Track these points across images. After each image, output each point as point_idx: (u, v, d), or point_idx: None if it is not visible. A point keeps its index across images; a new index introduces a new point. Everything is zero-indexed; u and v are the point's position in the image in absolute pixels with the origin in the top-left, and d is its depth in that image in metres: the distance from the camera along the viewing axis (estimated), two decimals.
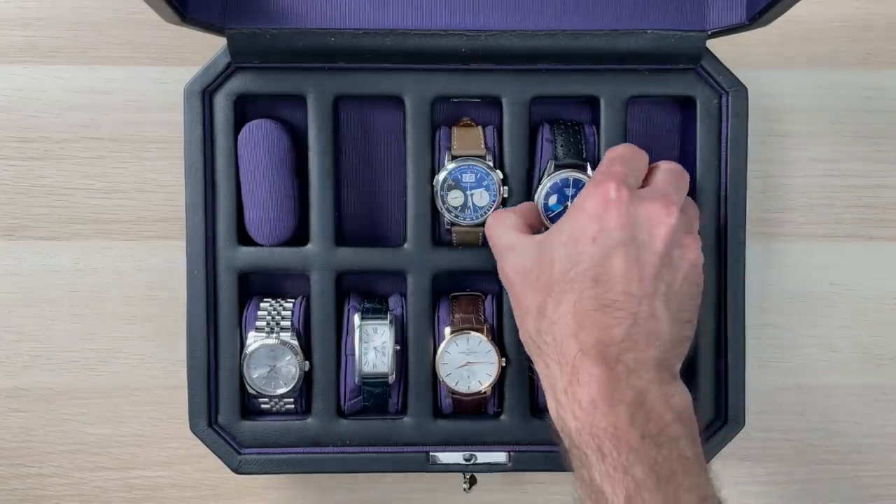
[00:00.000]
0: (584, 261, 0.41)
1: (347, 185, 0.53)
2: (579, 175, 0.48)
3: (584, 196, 0.42)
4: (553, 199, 0.49)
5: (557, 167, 0.49)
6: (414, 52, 0.48)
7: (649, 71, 0.49)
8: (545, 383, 0.42)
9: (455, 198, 0.49)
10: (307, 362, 0.49)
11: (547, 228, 0.47)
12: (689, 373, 0.51)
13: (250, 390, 0.49)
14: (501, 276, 0.45)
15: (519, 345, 0.50)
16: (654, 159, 0.53)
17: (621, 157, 0.44)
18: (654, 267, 0.41)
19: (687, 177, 0.46)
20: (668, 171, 0.45)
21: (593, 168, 0.49)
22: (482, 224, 0.49)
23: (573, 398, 0.39)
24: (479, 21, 0.48)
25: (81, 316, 0.55)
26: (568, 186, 0.49)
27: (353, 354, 0.49)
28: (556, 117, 0.52)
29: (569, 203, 0.48)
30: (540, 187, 0.49)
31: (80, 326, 0.55)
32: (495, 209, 0.49)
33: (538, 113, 0.53)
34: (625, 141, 0.49)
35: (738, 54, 0.52)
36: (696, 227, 0.45)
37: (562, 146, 0.49)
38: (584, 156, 0.49)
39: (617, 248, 0.40)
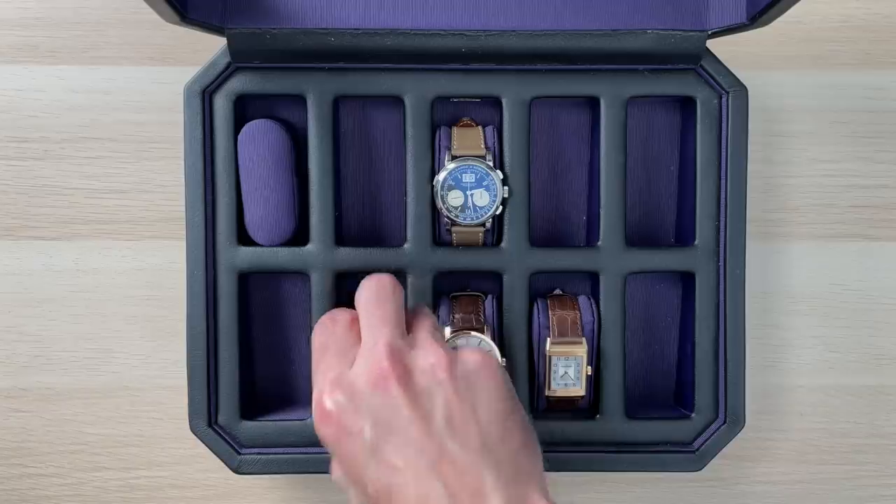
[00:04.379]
0: (369, 481, 0.37)
1: (347, 185, 0.53)
2: None
3: (314, 411, 0.39)
4: None
5: None
6: (414, 52, 0.48)
7: (649, 71, 0.49)
8: None
9: (455, 198, 0.49)
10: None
11: None
12: (689, 373, 0.51)
13: None
14: None
15: (519, 345, 0.50)
16: (653, 159, 0.54)
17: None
18: (414, 424, 0.36)
19: (384, 283, 0.42)
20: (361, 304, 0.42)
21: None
22: (482, 224, 0.49)
23: None
24: (479, 21, 0.48)
25: (81, 316, 0.55)
26: None
27: None
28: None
29: None
30: None
31: (80, 326, 0.55)
32: (495, 209, 0.49)
33: (539, 114, 0.53)
34: (625, 141, 0.50)
35: (738, 54, 0.52)
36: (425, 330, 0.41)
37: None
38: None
39: (372, 446, 0.36)
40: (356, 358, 0.39)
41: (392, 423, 0.36)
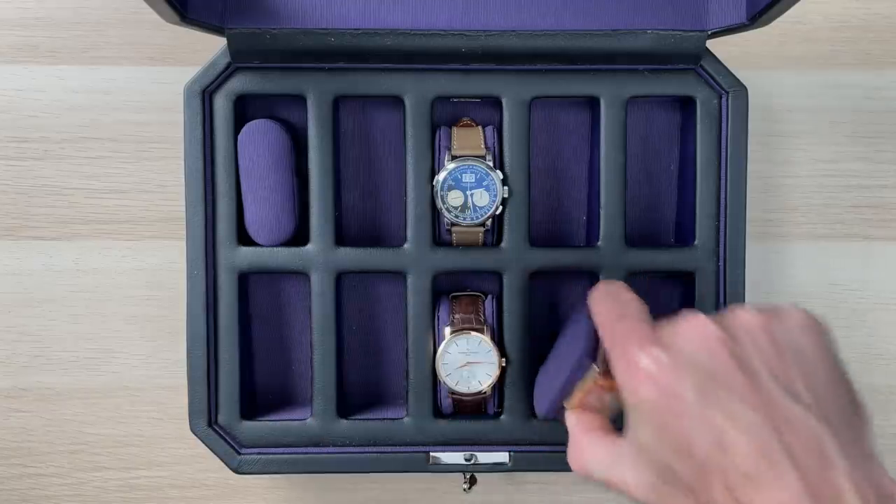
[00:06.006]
0: (695, 442, 0.33)
1: (347, 185, 0.53)
2: None
3: (623, 374, 0.36)
4: None
5: None
6: (414, 52, 0.48)
7: (649, 71, 0.49)
8: None
9: (455, 198, 0.49)
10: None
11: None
12: None
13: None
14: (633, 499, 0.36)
15: (519, 345, 0.50)
16: (654, 159, 0.54)
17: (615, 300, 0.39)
18: (740, 377, 0.33)
19: (622, 288, 0.40)
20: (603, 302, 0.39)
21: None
22: (482, 224, 0.49)
23: None
24: (479, 21, 0.48)
25: (81, 316, 0.55)
26: None
27: None
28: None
29: None
30: None
31: (80, 326, 0.55)
32: (495, 209, 0.49)
33: (539, 114, 0.53)
34: (625, 141, 0.50)
35: (738, 54, 0.52)
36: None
37: None
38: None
39: (698, 404, 0.33)
40: (665, 324, 0.37)
41: (717, 378, 0.33)
